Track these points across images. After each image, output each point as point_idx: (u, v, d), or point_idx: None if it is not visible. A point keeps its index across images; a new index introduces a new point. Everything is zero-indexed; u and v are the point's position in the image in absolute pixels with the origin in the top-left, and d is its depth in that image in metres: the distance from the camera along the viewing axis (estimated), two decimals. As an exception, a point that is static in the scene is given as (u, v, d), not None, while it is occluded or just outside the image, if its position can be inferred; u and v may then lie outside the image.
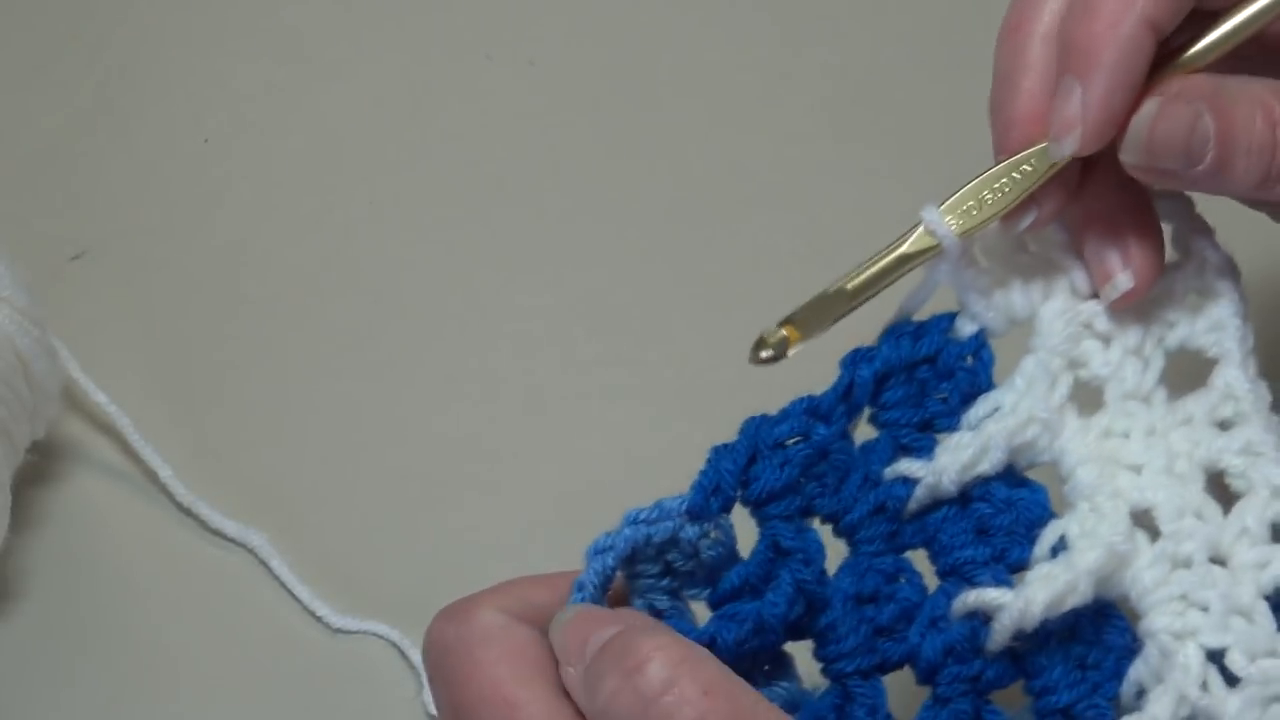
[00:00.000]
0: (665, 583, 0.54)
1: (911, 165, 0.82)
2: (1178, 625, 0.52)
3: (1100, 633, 0.53)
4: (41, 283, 0.77)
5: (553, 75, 0.91)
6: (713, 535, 0.53)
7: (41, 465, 0.78)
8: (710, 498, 0.53)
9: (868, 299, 0.55)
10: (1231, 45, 0.56)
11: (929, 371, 0.55)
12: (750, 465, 0.54)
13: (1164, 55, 0.55)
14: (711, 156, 0.88)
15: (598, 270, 0.85)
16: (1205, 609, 0.52)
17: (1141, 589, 0.53)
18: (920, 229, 0.55)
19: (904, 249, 0.55)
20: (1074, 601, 0.52)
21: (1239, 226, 0.60)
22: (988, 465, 0.54)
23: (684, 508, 0.53)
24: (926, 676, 0.53)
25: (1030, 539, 0.54)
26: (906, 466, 0.55)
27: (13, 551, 0.76)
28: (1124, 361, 0.56)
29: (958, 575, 0.53)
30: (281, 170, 0.89)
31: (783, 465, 0.54)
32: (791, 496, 0.54)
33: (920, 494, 0.54)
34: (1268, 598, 0.53)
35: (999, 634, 0.52)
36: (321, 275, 0.85)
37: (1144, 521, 0.54)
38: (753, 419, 0.54)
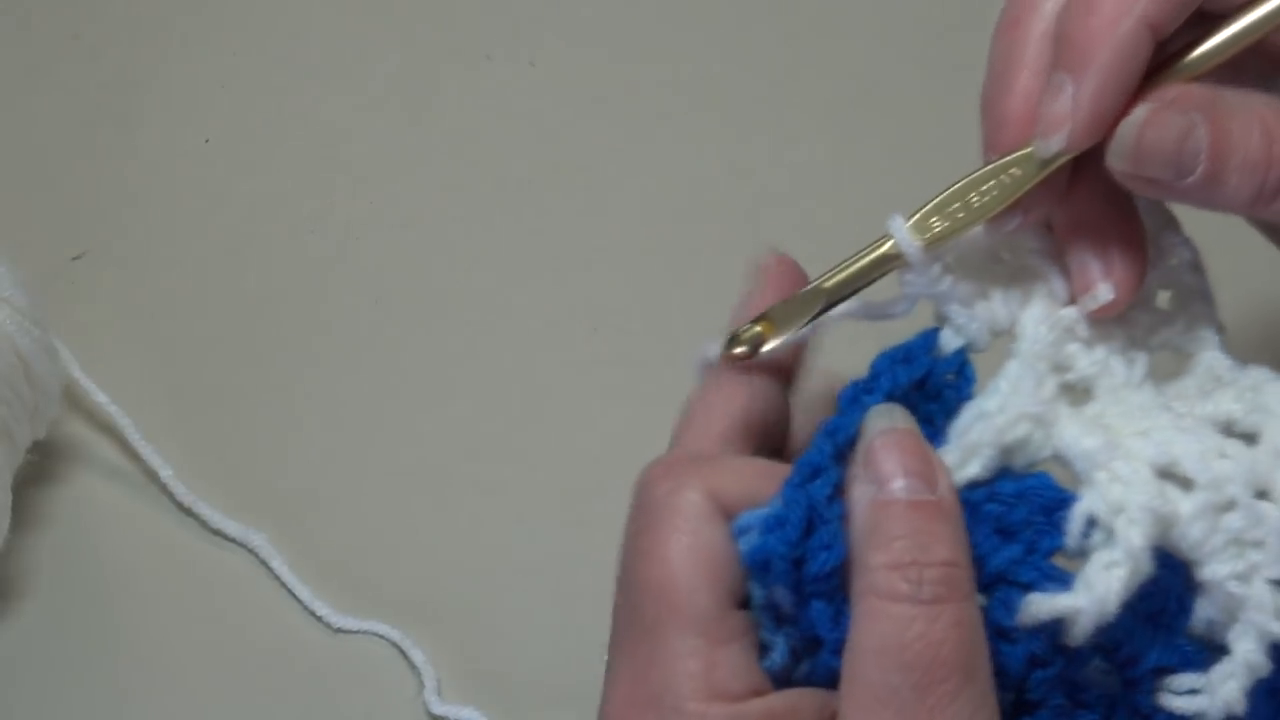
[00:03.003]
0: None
1: (915, 165, 0.82)
2: (1240, 568, 0.51)
3: (1156, 581, 0.52)
4: (41, 283, 0.77)
5: (553, 75, 0.91)
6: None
7: (42, 465, 0.78)
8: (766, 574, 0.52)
9: (843, 299, 0.55)
10: (1233, 51, 0.55)
11: (919, 395, 0.54)
12: (809, 537, 0.52)
13: (1163, 59, 0.54)
14: (712, 156, 0.88)
15: (598, 270, 0.85)
16: (1261, 544, 0.52)
17: (1192, 542, 0.52)
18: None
19: (881, 251, 0.55)
20: (1140, 579, 0.51)
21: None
22: (979, 467, 0.53)
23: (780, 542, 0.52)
24: (1013, 686, 0.52)
25: (1052, 524, 0.52)
26: None
27: (13, 551, 0.76)
28: (1110, 360, 0.56)
29: (1005, 582, 0.52)
30: (281, 170, 0.89)
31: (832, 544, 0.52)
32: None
33: None
34: None
35: (1078, 635, 0.51)
36: (321, 275, 0.85)
37: (1169, 477, 0.53)
38: (790, 484, 0.52)
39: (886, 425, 0.52)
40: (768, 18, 0.93)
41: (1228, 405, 0.55)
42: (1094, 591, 0.51)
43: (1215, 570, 0.52)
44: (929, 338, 0.55)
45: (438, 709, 0.72)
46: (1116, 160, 0.53)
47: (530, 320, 0.83)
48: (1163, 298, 0.57)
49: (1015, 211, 0.55)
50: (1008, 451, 0.54)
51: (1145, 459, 0.53)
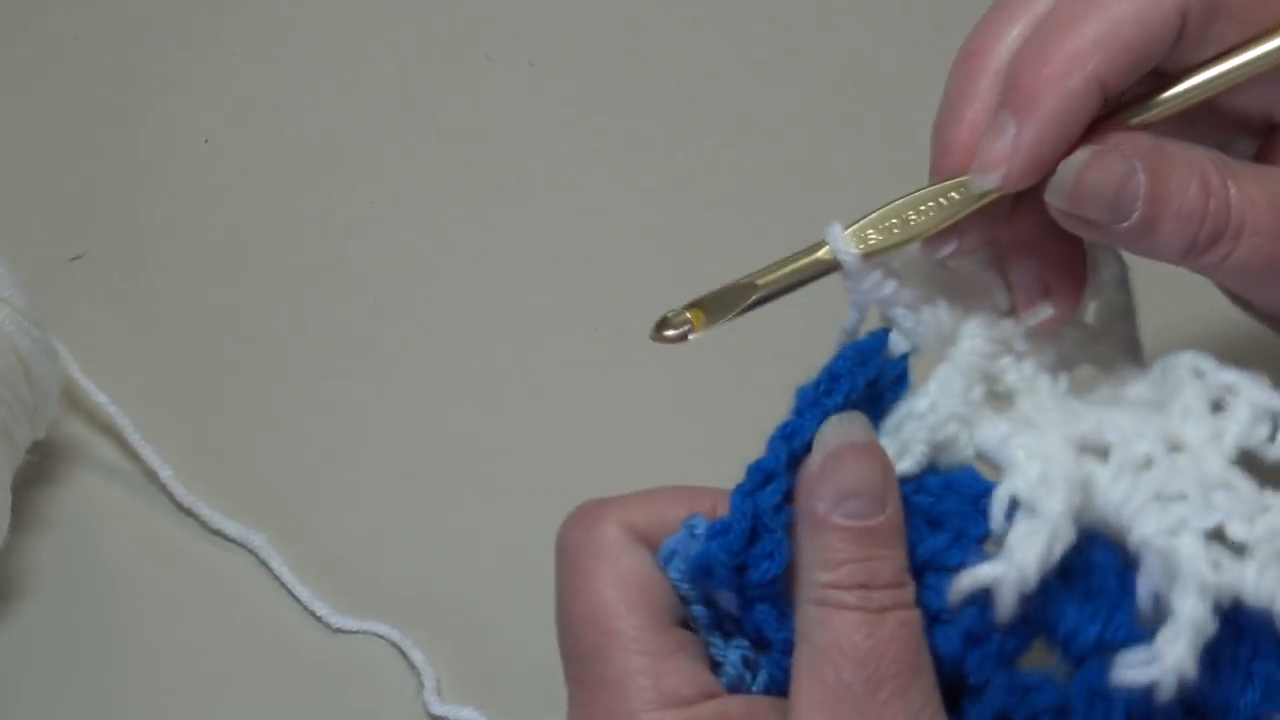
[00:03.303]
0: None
1: (912, 166, 0.82)
2: (1166, 522, 0.52)
3: (1087, 557, 0.53)
4: (41, 283, 0.77)
5: (553, 75, 0.91)
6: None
7: (42, 465, 0.78)
8: (708, 579, 0.53)
9: (775, 296, 0.56)
10: (1181, 108, 0.56)
11: (865, 395, 0.55)
12: (752, 545, 0.53)
13: (1111, 110, 0.55)
14: (711, 156, 0.88)
15: (597, 270, 0.85)
16: (1184, 496, 0.52)
17: (1115, 504, 0.53)
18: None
19: (816, 256, 0.56)
20: (1061, 548, 0.52)
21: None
22: (911, 463, 0.54)
23: (721, 548, 0.53)
24: (952, 670, 0.53)
25: (979, 511, 0.53)
26: None
27: (13, 551, 0.76)
28: (1037, 375, 0.57)
29: (933, 568, 0.53)
30: (281, 170, 0.89)
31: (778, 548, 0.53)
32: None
33: None
34: (1235, 463, 0.53)
35: (1004, 605, 0.52)
36: (321, 275, 0.85)
37: (1087, 450, 0.54)
38: (740, 491, 0.53)
39: (846, 439, 0.52)
40: (767, 18, 0.93)
41: (1140, 390, 0.56)
42: (1013, 558, 0.51)
43: (1143, 528, 0.52)
44: (879, 338, 0.56)
45: (437, 709, 0.72)
46: (1054, 198, 0.54)
47: (530, 320, 0.83)
48: (1090, 310, 0.59)
49: (951, 236, 0.56)
50: (936, 448, 0.55)
51: (1061, 432, 0.54)
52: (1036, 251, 0.56)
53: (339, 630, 0.75)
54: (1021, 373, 0.57)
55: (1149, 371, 0.57)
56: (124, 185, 0.88)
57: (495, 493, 0.78)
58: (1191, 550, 0.51)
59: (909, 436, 0.54)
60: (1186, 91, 0.55)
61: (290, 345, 0.83)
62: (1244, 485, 0.53)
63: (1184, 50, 0.55)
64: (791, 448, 0.53)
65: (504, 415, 0.80)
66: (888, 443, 0.54)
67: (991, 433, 0.55)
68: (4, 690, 0.74)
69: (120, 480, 0.79)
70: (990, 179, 0.54)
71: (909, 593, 0.51)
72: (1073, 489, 0.52)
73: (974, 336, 0.56)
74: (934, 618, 0.52)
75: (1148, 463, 0.53)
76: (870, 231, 0.56)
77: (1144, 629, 0.52)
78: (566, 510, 0.77)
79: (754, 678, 0.53)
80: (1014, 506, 0.52)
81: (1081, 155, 0.54)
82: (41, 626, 0.75)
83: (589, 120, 0.90)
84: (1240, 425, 0.54)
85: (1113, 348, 0.58)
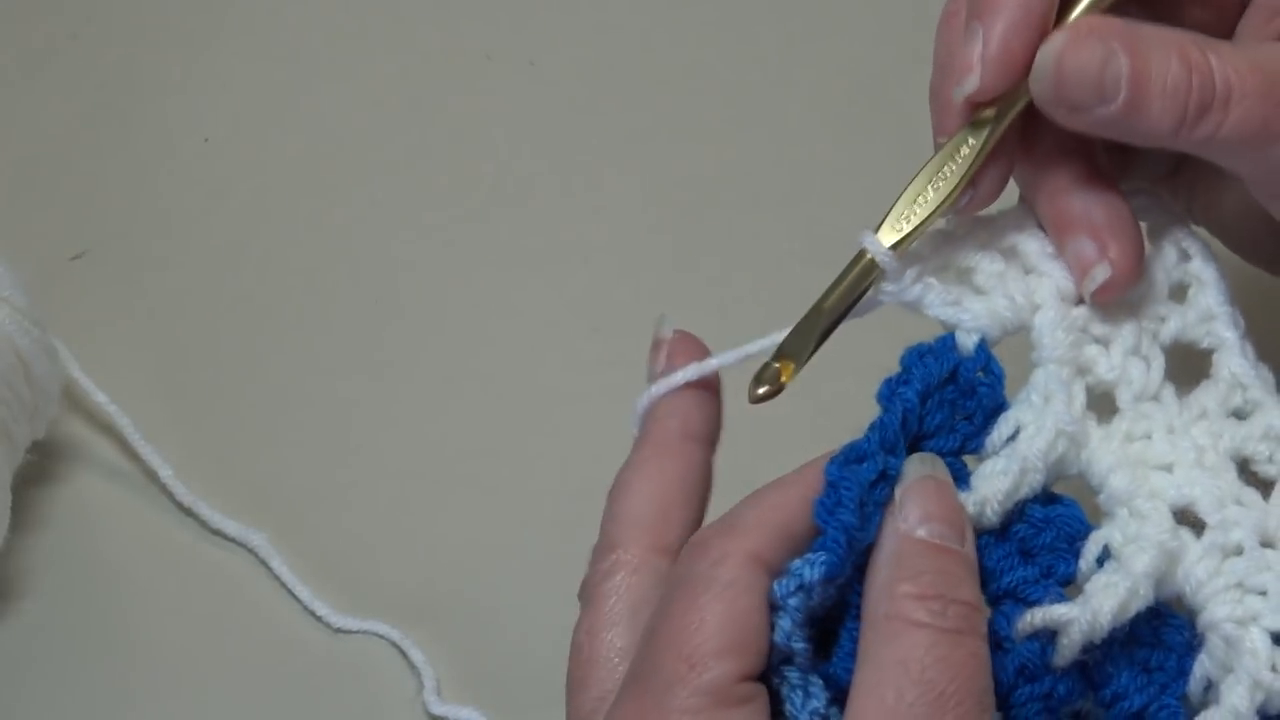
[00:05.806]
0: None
1: (914, 166, 0.82)
2: (1239, 612, 0.52)
3: (1159, 634, 0.53)
4: (41, 283, 0.77)
5: (553, 75, 0.91)
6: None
7: (42, 465, 0.78)
8: (846, 558, 0.52)
9: (842, 318, 0.55)
10: None
11: (954, 391, 0.55)
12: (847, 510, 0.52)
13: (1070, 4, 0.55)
14: (712, 156, 0.88)
15: (598, 270, 0.85)
16: (1263, 593, 0.52)
17: (1196, 583, 0.53)
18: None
19: (863, 262, 0.56)
20: (1137, 606, 0.52)
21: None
22: (1028, 489, 0.54)
23: (824, 575, 0.51)
24: (999, 700, 0.52)
25: (1073, 553, 0.53)
26: None
27: (13, 551, 0.76)
28: (1127, 363, 0.56)
29: (1012, 598, 0.53)
30: (281, 170, 0.89)
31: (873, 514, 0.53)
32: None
33: None
34: None
35: (1068, 648, 0.52)
36: (321, 275, 0.85)
37: (1186, 518, 0.54)
38: (834, 464, 0.52)
39: (929, 472, 0.52)
40: (768, 17, 0.93)
41: (1252, 445, 0.56)
42: (1088, 605, 0.52)
43: (1215, 613, 0.52)
44: (947, 340, 0.56)
45: (437, 709, 0.72)
46: (1038, 85, 0.54)
47: (530, 320, 0.83)
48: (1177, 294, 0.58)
49: (966, 189, 0.56)
50: (1051, 470, 0.54)
51: (1166, 499, 0.54)
52: (1081, 220, 0.56)
53: (339, 630, 0.75)
54: (1111, 362, 0.56)
55: (1265, 402, 0.56)
56: (124, 185, 0.88)
57: (495, 493, 0.78)
58: (1255, 646, 0.52)
59: (1027, 463, 0.54)
60: None
61: (290, 345, 0.83)
62: None
63: None
64: (883, 436, 0.53)
65: (504, 415, 0.80)
66: (1006, 464, 0.54)
67: (1104, 474, 0.54)
68: (4, 690, 0.74)
69: (120, 480, 0.79)
70: (968, 84, 0.54)
71: (983, 623, 0.51)
72: (1162, 555, 0.52)
73: (1053, 329, 0.56)
74: (995, 644, 0.52)
75: (1238, 550, 0.53)
76: (901, 222, 0.56)
77: (1188, 712, 0.52)
78: (567, 510, 0.77)
79: None
80: (1105, 555, 0.53)
81: (1057, 39, 0.54)
82: (41, 626, 0.75)
83: (590, 120, 0.90)
84: None
85: (1204, 325, 0.57)
